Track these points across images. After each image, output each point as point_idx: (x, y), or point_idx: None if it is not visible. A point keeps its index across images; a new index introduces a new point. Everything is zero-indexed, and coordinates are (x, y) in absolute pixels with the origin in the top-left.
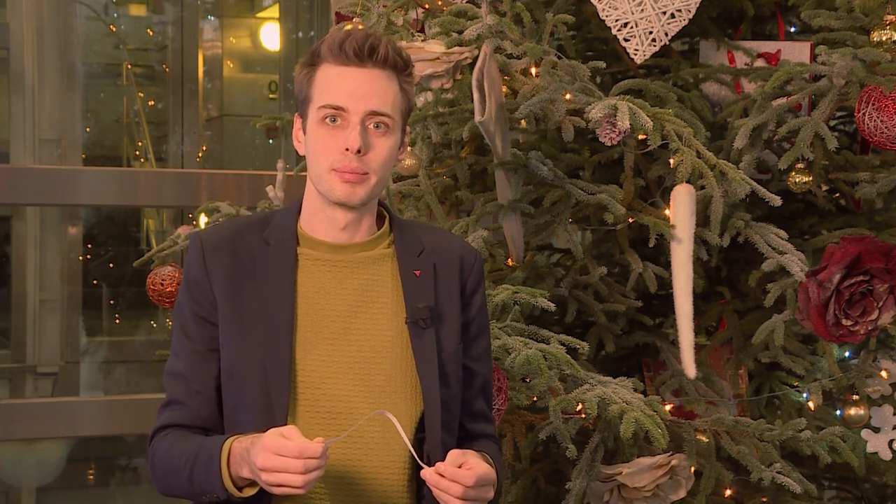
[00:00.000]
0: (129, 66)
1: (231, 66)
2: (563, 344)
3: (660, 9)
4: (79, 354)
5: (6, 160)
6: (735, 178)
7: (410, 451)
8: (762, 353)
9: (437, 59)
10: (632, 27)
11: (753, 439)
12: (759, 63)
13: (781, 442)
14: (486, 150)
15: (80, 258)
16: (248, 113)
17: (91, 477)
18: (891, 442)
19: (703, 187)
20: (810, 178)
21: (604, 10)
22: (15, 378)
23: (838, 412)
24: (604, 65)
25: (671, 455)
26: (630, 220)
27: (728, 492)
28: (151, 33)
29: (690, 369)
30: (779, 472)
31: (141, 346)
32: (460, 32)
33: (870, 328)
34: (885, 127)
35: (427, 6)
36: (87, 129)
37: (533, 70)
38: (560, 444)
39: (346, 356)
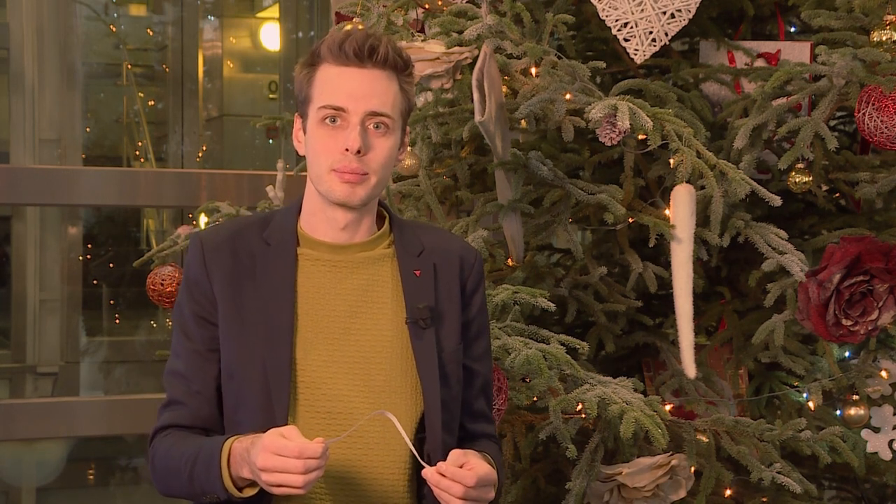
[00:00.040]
0: (129, 66)
1: (231, 66)
2: (563, 344)
3: (660, 9)
4: (79, 354)
5: (6, 160)
6: (735, 178)
7: (411, 452)
8: (762, 353)
9: (437, 59)
10: (632, 27)
11: (753, 439)
12: (759, 63)
13: (781, 442)
14: (486, 150)
15: (80, 258)
16: (248, 113)
17: (91, 477)
18: (891, 442)
19: (703, 187)
20: (810, 178)
21: (604, 10)
22: (15, 378)
23: (838, 412)
24: (604, 65)
25: (671, 455)
26: (630, 220)
27: (728, 492)
28: (151, 33)
29: (690, 369)
30: (779, 472)
31: (141, 346)
32: (460, 32)
33: (870, 328)
34: (885, 127)
35: (427, 6)
36: (87, 129)
37: (533, 70)
38: (560, 444)
39: (346, 356)
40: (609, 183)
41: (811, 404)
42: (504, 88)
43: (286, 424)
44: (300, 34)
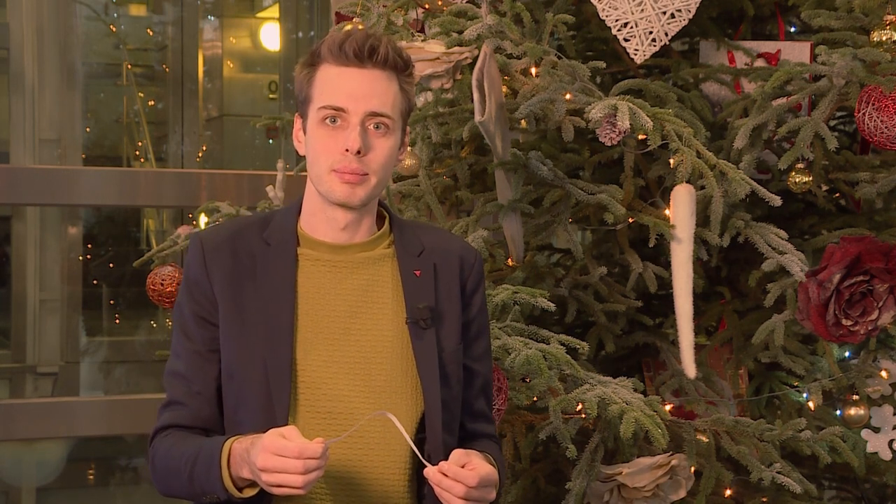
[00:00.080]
0: (129, 66)
1: (231, 66)
2: (563, 344)
3: (660, 9)
4: (79, 354)
5: (6, 160)
6: (735, 178)
7: (411, 452)
8: (762, 353)
9: (437, 59)
10: (632, 27)
11: (753, 439)
12: (759, 63)
13: (781, 442)
14: (486, 150)
15: (80, 258)
16: (248, 113)
17: (91, 477)
18: (891, 442)
19: (703, 187)
20: (810, 178)
21: (604, 10)
22: (15, 378)
23: (838, 412)
24: (604, 65)
25: (671, 455)
26: (630, 220)
27: (728, 492)
28: (151, 33)
29: (690, 369)
30: (779, 472)
31: (141, 346)
32: (460, 32)
33: (870, 328)
34: (885, 127)
35: (427, 6)
36: (87, 129)
37: (533, 70)
38: (560, 444)
39: (346, 356)
40: (609, 183)
41: (811, 404)
42: (504, 88)
43: (286, 425)
44: (300, 34)
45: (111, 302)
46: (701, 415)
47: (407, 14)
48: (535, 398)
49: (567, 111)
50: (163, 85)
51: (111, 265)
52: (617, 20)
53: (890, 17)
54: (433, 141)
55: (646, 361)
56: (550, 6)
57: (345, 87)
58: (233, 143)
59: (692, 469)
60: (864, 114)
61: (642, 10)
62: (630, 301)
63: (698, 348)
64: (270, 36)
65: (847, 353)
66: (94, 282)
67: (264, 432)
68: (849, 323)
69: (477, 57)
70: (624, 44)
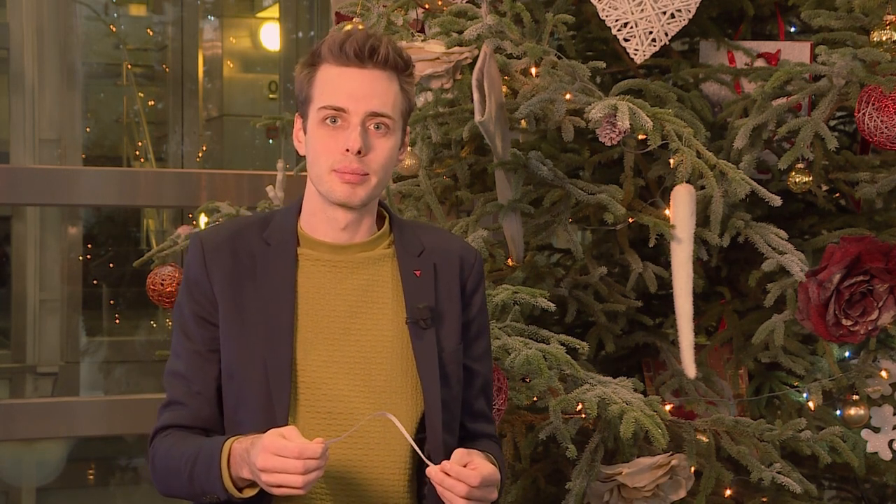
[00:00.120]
0: (129, 66)
1: (231, 66)
2: (563, 344)
3: (660, 9)
4: (79, 354)
5: (6, 160)
6: (735, 178)
7: (411, 452)
8: (762, 353)
9: (437, 59)
10: (632, 27)
11: (753, 439)
12: (759, 63)
13: (781, 442)
14: (486, 150)
15: (80, 258)
16: (248, 113)
17: (91, 477)
18: (891, 442)
19: (703, 187)
20: (810, 178)
21: (604, 10)
22: (15, 378)
23: (838, 412)
24: (604, 65)
25: (671, 455)
26: (630, 220)
27: (728, 492)
28: (151, 33)
29: (690, 369)
30: (779, 472)
31: (141, 346)
32: (460, 32)
33: (870, 328)
34: (885, 127)
35: (427, 6)
36: (87, 129)
37: (533, 70)
38: (560, 444)
39: (346, 356)
40: (609, 183)
41: (811, 404)
42: (504, 88)
43: (286, 425)
44: (300, 34)
45: (111, 302)
46: (701, 415)
47: (407, 14)
48: (535, 398)
49: (567, 111)
50: (163, 85)
51: (111, 265)
52: (617, 20)
53: (890, 17)
54: (433, 141)
55: (646, 361)
56: (550, 6)
57: (345, 88)
58: (233, 143)
59: (692, 469)
60: (864, 114)
61: (642, 10)
62: (630, 301)
63: (698, 348)
64: (270, 36)
65: (847, 353)
66: (94, 282)
67: (264, 432)
68: (849, 323)
69: (477, 57)
70: (624, 44)
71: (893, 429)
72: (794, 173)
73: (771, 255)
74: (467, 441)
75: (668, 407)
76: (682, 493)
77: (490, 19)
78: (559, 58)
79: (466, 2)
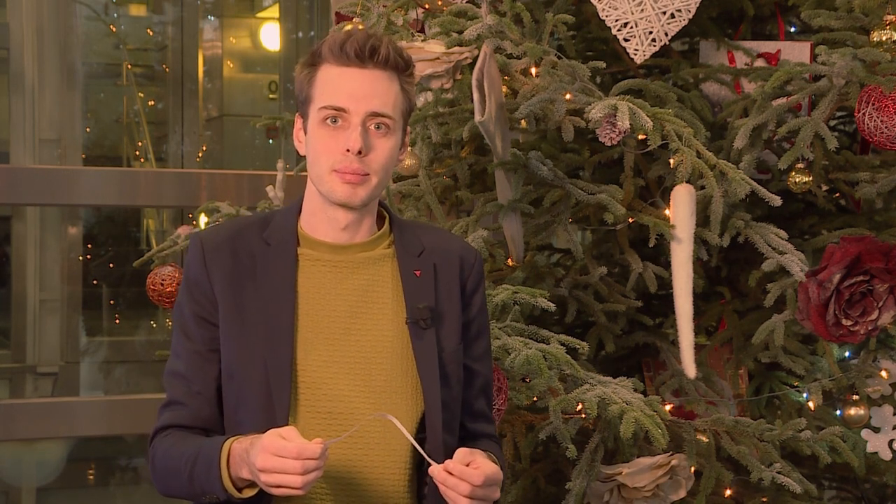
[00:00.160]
0: (129, 66)
1: (231, 66)
2: (563, 344)
3: (660, 9)
4: (79, 354)
5: (6, 160)
6: (735, 178)
7: (411, 452)
8: (762, 353)
9: (437, 59)
10: (632, 27)
11: (753, 439)
12: (759, 63)
13: (781, 442)
14: (486, 150)
15: (80, 258)
16: (248, 113)
17: (91, 477)
18: (891, 442)
19: (703, 187)
20: (810, 178)
21: (604, 10)
22: (15, 378)
23: (838, 412)
24: (604, 65)
25: (671, 455)
26: (630, 220)
27: (728, 492)
28: (151, 33)
29: (690, 369)
30: (779, 472)
31: (141, 346)
32: (460, 32)
33: (870, 328)
34: (885, 127)
35: (427, 6)
36: (87, 129)
37: (533, 70)
38: (560, 444)
39: (346, 356)
40: (609, 183)
41: (811, 404)
42: (504, 88)
43: (287, 425)
44: (300, 34)
45: (111, 302)
46: (701, 415)
47: (407, 14)
48: (535, 398)
49: (567, 111)
50: (163, 85)
51: (111, 265)
52: (617, 20)
53: (890, 17)
54: (433, 141)
55: (646, 361)
56: (550, 6)
57: (346, 88)
58: (233, 143)
59: (692, 469)
60: (864, 114)
61: (642, 10)
62: (630, 301)
63: (698, 348)
64: (270, 36)
65: (847, 353)
66: (94, 282)
67: (264, 432)
68: (849, 323)
69: (477, 57)
70: (624, 44)
71: (893, 429)
72: (794, 173)
73: (771, 255)
74: (467, 441)
75: (668, 407)
76: (682, 493)
77: (490, 19)
78: (559, 58)
79: (466, 2)
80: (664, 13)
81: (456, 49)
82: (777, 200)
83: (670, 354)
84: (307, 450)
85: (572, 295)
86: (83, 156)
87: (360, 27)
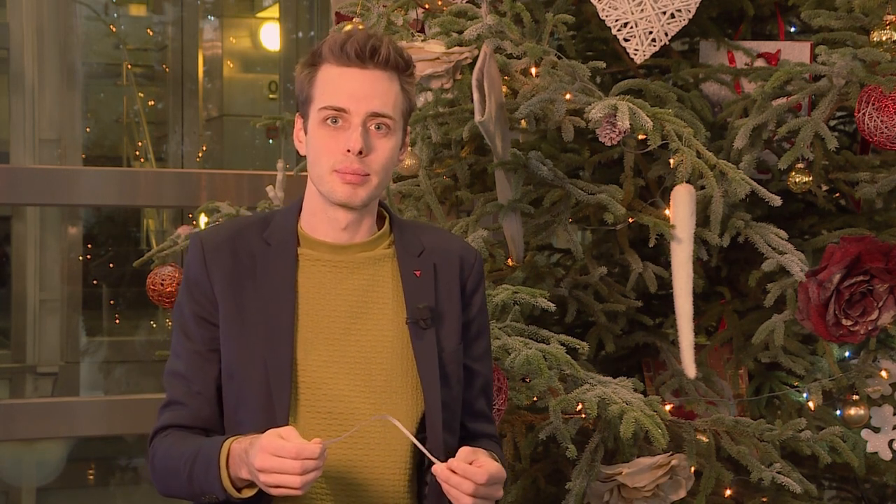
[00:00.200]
0: (129, 66)
1: (231, 66)
2: (563, 344)
3: (660, 9)
4: (79, 354)
5: (6, 160)
6: (735, 178)
7: (411, 452)
8: (762, 353)
9: (437, 59)
10: (632, 27)
11: (753, 439)
12: (759, 63)
13: (781, 442)
14: (486, 150)
15: (80, 258)
16: (248, 113)
17: (91, 477)
18: (891, 442)
19: (703, 187)
20: (810, 178)
21: (604, 10)
22: (15, 378)
23: (838, 412)
24: (604, 65)
25: (671, 455)
26: (630, 220)
27: (728, 492)
28: (151, 33)
29: (690, 369)
30: (779, 472)
31: (141, 346)
32: (460, 32)
33: (870, 328)
34: (885, 127)
35: (427, 6)
36: (87, 129)
37: (533, 70)
38: (560, 444)
39: (346, 356)
40: (609, 183)
41: (811, 404)
42: (504, 88)
43: (287, 425)
44: (300, 34)
45: (111, 302)
46: (701, 415)
47: (407, 14)
48: (535, 398)
49: (567, 111)
50: (163, 85)
51: (111, 265)
52: (617, 20)
53: (890, 17)
54: (433, 141)
55: (646, 361)
56: (550, 6)
57: (346, 88)
58: (233, 143)
59: (692, 469)
60: (864, 114)
61: (642, 10)
62: (630, 301)
63: (698, 348)
64: (270, 36)
65: (847, 353)
66: (94, 282)
67: (264, 432)
68: (849, 323)
69: (477, 57)
70: (624, 44)
71: (893, 429)
72: (794, 173)
73: (771, 255)
74: (468, 441)
75: (668, 407)
76: (682, 493)
77: (490, 19)
78: (559, 58)
79: (466, 2)
80: (664, 13)
81: (456, 49)
82: (777, 200)
83: (670, 354)
84: (306, 450)
85: (572, 295)
86: (83, 156)
87: (361, 27)
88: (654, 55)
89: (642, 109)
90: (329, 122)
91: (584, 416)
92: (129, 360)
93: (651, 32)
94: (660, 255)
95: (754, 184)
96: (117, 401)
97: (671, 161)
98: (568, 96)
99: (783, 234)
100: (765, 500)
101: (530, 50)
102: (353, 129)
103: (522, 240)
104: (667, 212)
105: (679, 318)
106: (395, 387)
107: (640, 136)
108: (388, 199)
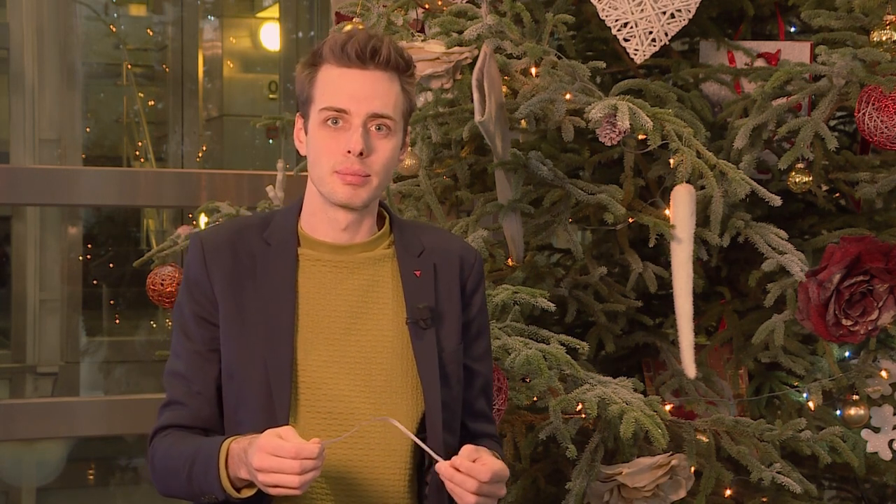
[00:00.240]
0: (129, 66)
1: (231, 66)
2: (563, 344)
3: (660, 9)
4: (79, 354)
5: (6, 160)
6: (735, 178)
7: (411, 452)
8: (762, 353)
9: (437, 59)
10: (632, 27)
11: (753, 439)
12: (759, 63)
13: (781, 442)
14: (486, 150)
15: (80, 258)
16: (248, 113)
17: (91, 477)
18: (891, 442)
19: (703, 187)
20: (810, 178)
21: (604, 10)
22: (15, 378)
23: (838, 412)
24: (604, 65)
25: (671, 455)
26: (630, 220)
27: (728, 492)
28: (151, 33)
29: (690, 369)
30: (779, 472)
31: (141, 346)
32: (460, 32)
33: (870, 328)
34: (885, 127)
35: (427, 6)
36: (87, 129)
37: (533, 70)
38: (560, 444)
39: (346, 356)
40: (609, 183)
41: (811, 404)
42: (504, 88)
43: (287, 425)
44: (300, 34)
45: (111, 302)
46: (701, 415)
47: (407, 14)
48: (535, 398)
49: (567, 111)
50: (163, 85)
51: (111, 265)
52: (617, 20)
53: (890, 17)
54: (433, 141)
55: (646, 361)
56: (550, 6)
57: (347, 89)
58: (233, 143)
59: (692, 469)
60: (864, 114)
61: (642, 10)
62: (630, 301)
63: (698, 348)
64: (270, 36)
65: (847, 353)
66: (94, 282)
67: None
68: (849, 323)
69: (477, 57)
70: (624, 44)
71: (893, 429)
72: (794, 173)
73: (771, 255)
74: (468, 441)
75: (668, 407)
76: (682, 493)
77: (490, 19)
78: (559, 58)
79: (466, 2)
80: (664, 13)
81: (456, 49)
82: (777, 200)
83: (670, 354)
84: (305, 450)
85: (572, 295)
86: (83, 156)
87: (361, 27)
88: (654, 55)
89: (642, 109)
90: (329, 122)
91: (584, 416)
92: (129, 360)
93: (651, 32)
94: (660, 255)
95: (754, 184)
96: (117, 401)
97: (671, 161)
98: (568, 96)
99: (783, 234)
100: (765, 500)
101: (530, 50)
102: (353, 130)
103: (522, 240)
104: (667, 212)
105: (679, 318)
106: (395, 387)
107: (640, 136)
108: (388, 199)
